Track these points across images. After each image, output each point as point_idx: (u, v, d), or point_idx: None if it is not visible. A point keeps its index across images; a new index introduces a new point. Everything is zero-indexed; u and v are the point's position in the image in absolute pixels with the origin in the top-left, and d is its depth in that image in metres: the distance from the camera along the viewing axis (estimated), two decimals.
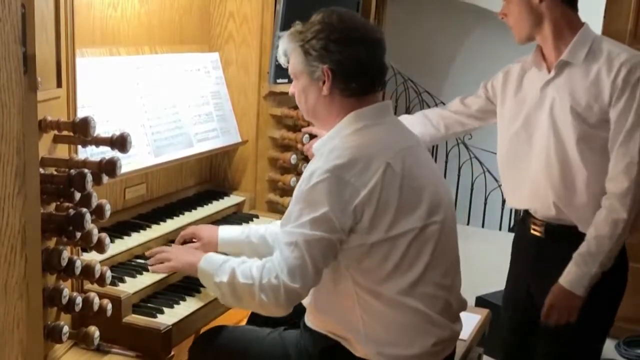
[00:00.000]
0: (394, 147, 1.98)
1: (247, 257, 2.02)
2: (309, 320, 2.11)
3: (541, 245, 2.45)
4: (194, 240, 2.39)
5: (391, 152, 1.95)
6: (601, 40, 2.30)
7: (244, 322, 2.48)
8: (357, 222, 1.90)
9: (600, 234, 2.23)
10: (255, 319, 2.35)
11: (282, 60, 2.14)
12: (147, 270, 2.19)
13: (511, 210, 6.53)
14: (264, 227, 2.38)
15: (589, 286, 2.26)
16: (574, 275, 2.27)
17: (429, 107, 5.80)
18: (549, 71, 2.35)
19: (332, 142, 2.00)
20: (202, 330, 2.24)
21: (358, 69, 1.99)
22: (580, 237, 2.28)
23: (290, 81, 2.87)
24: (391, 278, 1.94)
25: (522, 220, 2.57)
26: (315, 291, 2.01)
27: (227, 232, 2.39)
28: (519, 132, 2.46)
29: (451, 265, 2.08)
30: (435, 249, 1.98)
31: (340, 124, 2.02)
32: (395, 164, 1.93)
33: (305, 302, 2.08)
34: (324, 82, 2.00)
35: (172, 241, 2.43)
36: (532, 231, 2.47)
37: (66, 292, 1.71)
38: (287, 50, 2.09)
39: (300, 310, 2.21)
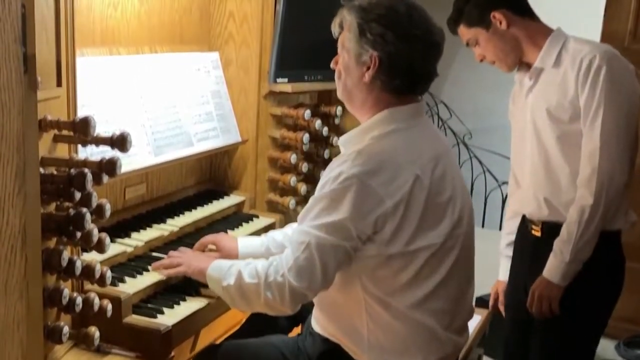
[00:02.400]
0: (423, 156, 1.90)
1: None
2: (314, 321, 2.09)
3: (538, 245, 2.47)
4: (212, 248, 2.35)
5: (421, 162, 1.88)
6: (569, 41, 2.35)
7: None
8: (377, 233, 1.84)
9: (570, 221, 2.28)
10: (250, 326, 2.34)
11: (334, 30, 2.03)
12: (147, 270, 2.18)
13: None
14: (282, 234, 2.34)
15: (566, 275, 2.30)
16: (550, 264, 2.33)
17: (428, 106, 5.80)
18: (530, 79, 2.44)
19: (360, 140, 1.93)
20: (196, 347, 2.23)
21: (406, 68, 1.91)
22: None
23: (290, 81, 2.90)
24: (403, 290, 1.90)
25: (522, 222, 2.59)
26: (322, 293, 1.97)
27: (247, 244, 2.32)
28: (515, 141, 2.57)
29: (467, 278, 2.05)
30: (453, 264, 1.95)
31: (372, 121, 1.94)
32: (424, 177, 1.86)
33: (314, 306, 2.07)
34: (368, 68, 1.92)
35: (173, 241, 2.43)
36: (532, 231, 2.51)
37: (66, 292, 1.71)
38: (344, 21, 1.98)
39: (298, 317, 2.21)
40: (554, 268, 2.32)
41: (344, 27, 1.98)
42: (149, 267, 2.20)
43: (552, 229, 2.40)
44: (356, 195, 1.81)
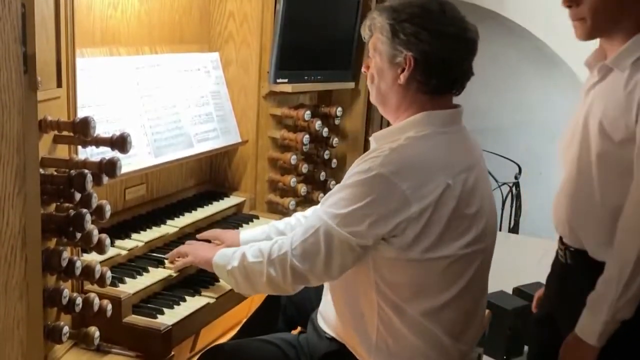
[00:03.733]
0: (457, 164, 1.86)
1: None
2: (321, 320, 2.08)
3: (565, 273, 2.14)
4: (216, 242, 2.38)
5: (453, 170, 1.84)
6: None
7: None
8: (396, 236, 1.80)
9: (608, 276, 1.90)
10: (249, 328, 2.34)
11: (364, 33, 1.98)
12: (147, 271, 2.19)
13: (511, 211, 6.54)
14: (283, 224, 2.35)
15: (603, 335, 1.92)
16: (584, 321, 1.95)
17: None
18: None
19: (395, 139, 1.87)
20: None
21: (442, 66, 1.85)
22: (600, 267, 1.95)
23: (290, 81, 2.90)
24: (419, 298, 1.87)
25: (559, 241, 2.22)
26: (335, 291, 1.97)
27: (248, 234, 2.36)
28: (564, 135, 2.17)
29: (481, 293, 2.03)
30: (471, 277, 1.92)
31: (409, 121, 1.89)
32: (455, 186, 1.81)
33: (322, 301, 2.06)
34: (402, 70, 1.86)
35: (173, 241, 2.43)
36: (559, 257, 2.19)
37: (66, 292, 1.71)
38: (374, 24, 1.92)
39: (296, 318, 2.21)
40: (588, 326, 1.93)
41: (374, 30, 1.93)
42: (149, 268, 2.20)
43: (576, 257, 2.08)
44: (382, 193, 1.78)
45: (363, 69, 2.02)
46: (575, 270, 2.08)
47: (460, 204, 1.83)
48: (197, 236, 2.41)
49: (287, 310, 2.33)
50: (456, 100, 2.01)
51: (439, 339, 1.91)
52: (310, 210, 2.32)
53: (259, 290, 2.02)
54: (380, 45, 1.90)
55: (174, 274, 2.22)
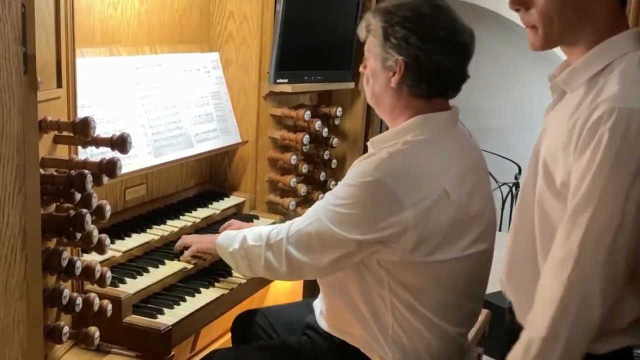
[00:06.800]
0: (454, 168, 1.87)
1: None
2: (324, 322, 2.08)
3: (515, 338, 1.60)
4: None
5: (451, 175, 1.85)
6: (621, 64, 1.50)
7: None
8: (394, 242, 1.81)
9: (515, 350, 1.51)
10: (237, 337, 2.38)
11: (361, 34, 1.99)
12: (147, 271, 2.19)
13: (511, 211, 6.54)
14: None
15: None
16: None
17: None
18: None
19: (392, 142, 1.89)
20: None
21: (433, 71, 1.85)
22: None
23: (290, 81, 2.90)
24: (427, 296, 1.90)
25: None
26: (348, 291, 1.97)
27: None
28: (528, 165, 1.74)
29: (482, 292, 2.07)
30: (476, 276, 1.96)
31: (406, 124, 1.90)
32: (451, 191, 1.83)
33: (325, 305, 2.07)
34: (394, 74, 1.88)
35: (173, 242, 2.43)
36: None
37: (66, 292, 1.71)
38: (370, 25, 1.94)
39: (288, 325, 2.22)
40: None
41: (370, 32, 1.94)
42: (149, 268, 2.20)
43: (514, 321, 1.71)
44: (376, 197, 1.80)
45: (361, 69, 2.04)
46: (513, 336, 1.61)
47: (460, 208, 1.84)
48: (220, 229, 2.43)
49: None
50: (455, 99, 2.01)
51: (451, 334, 1.96)
52: None
53: (258, 273, 2.07)
54: (374, 48, 1.92)
55: (173, 274, 2.22)
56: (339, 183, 1.93)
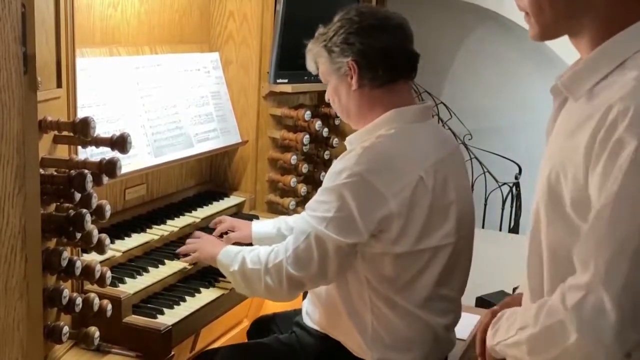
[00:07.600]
0: (428, 157, 1.95)
1: None
2: (307, 318, 2.11)
3: None
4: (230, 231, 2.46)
5: (425, 163, 1.92)
6: (636, 65, 1.23)
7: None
8: (382, 232, 1.88)
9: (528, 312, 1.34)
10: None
11: (311, 68, 2.13)
12: (147, 271, 2.19)
13: (511, 211, 6.54)
14: (293, 218, 2.39)
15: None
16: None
17: None
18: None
19: (367, 138, 1.97)
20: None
21: (381, 55, 1.97)
22: None
23: (290, 81, 2.90)
24: (408, 289, 1.94)
25: None
26: (327, 290, 2.02)
27: (260, 226, 2.43)
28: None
29: (463, 281, 2.10)
30: (454, 265, 1.99)
31: (379, 120, 1.99)
32: (427, 179, 1.90)
33: (309, 299, 2.09)
34: (351, 77, 1.98)
35: (173, 242, 2.43)
36: None
37: (66, 292, 1.71)
38: (314, 54, 2.09)
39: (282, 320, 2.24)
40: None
41: (317, 60, 2.08)
42: (149, 268, 2.20)
43: None
44: (359, 192, 1.85)
45: (326, 97, 2.13)
46: None
47: (436, 195, 1.91)
48: (214, 233, 2.46)
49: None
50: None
51: (433, 328, 1.98)
52: (293, 219, 2.37)
53: (258, 294, 2.12)
54: (326, 67, 2.04)
55: (173, 274, 2.23)
56: (319, 190, 1.96)
